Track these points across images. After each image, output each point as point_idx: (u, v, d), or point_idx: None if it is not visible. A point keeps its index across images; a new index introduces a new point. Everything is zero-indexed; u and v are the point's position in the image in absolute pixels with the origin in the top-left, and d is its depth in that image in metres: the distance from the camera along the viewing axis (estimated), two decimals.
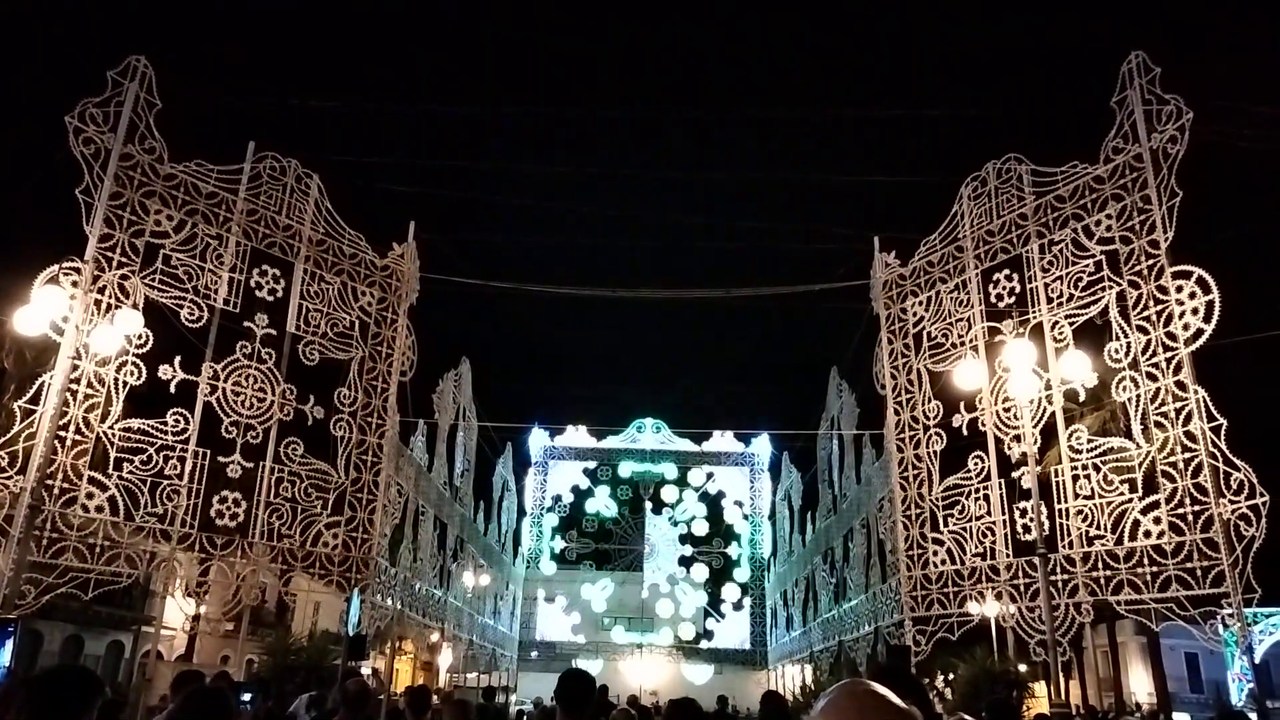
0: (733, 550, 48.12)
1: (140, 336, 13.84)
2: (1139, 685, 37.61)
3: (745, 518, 48.67)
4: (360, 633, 15.98)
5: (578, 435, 49.31)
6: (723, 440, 49.41)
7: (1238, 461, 11.81)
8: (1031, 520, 13.39)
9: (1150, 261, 13.26)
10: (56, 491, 12.84)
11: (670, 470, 49.26)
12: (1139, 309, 13.32)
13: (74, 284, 13.13)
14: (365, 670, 23.30)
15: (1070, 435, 14.15)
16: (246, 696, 8.10)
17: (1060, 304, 14.55)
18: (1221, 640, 12.38)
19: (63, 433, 12.89)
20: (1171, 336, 12.78)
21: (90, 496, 13.23)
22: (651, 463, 49.24)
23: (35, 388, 12.83)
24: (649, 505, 48.62)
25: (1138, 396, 13.11)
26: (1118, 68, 14.16)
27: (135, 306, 13.81)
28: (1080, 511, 13.70)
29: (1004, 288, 15.56)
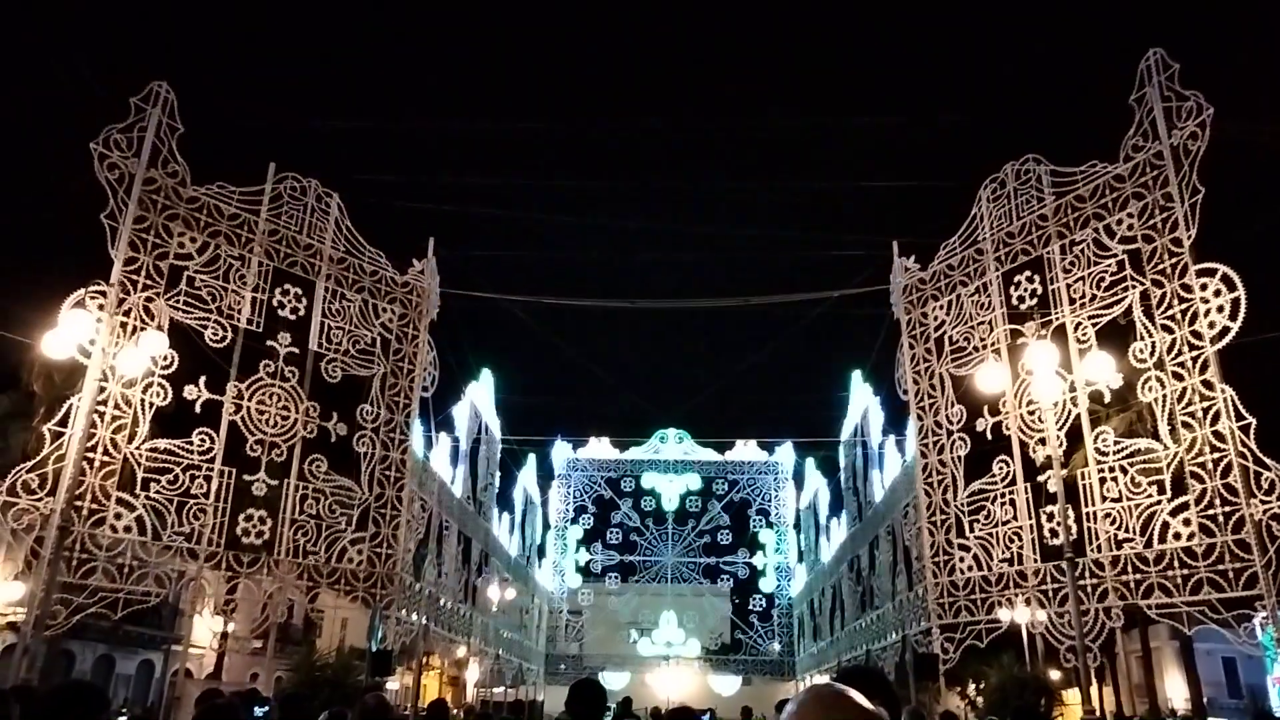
0: (758, 560, 47.90)
1: (165, 357, 14.00)
2: (1175, 691, 36.95)
3: (770, 526, 48.47)
4: (385, 648, 16.04)
5: (600, 447, 49.31)
6: (745, 449, 49.27)
7: (1268, 461, 11.59)
8: (1059, 524, 13.24)
9: (1173, 260, 13.09)
10: (85, 512, 12.99)
11: (694, 480, 49.17)
12: (1163, 308, 13.14)
13: (100, 307, 13.31)
14: (393, 686, 23.35)
15: (1096, 437, 13.96)
16: (259, 711, 8.12)
17: (1083, 305, 14.39)
18: (1258, 644, 12.12)
19: (90, 454, 13.05)
20: (1197, 335, 12.60)
21: (118, 517, 13.38)
22: (675, 473, 49.17)
23: (64, 410, 13.02)
24: (672, 516, 48.53)
25: (1164, 396, 12.93)
26: (1136, 65, 14.02)
27: (160, 328, 13.97)
28: (1108, 514, 13.50)
29: (1025, 289, 15.40)
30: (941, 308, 16.99)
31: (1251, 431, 11.81)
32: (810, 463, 39.23)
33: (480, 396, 27.16)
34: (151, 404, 13.90)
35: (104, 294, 13.46)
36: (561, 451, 48.87)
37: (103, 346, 13.09)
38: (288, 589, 15.21)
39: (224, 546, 14.42)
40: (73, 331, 12.34)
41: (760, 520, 48.57)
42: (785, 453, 48.39)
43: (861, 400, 25.59)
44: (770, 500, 49.02)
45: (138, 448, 13.70)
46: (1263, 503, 11.55)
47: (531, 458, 38.54)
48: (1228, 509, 11.94)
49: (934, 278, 17.29)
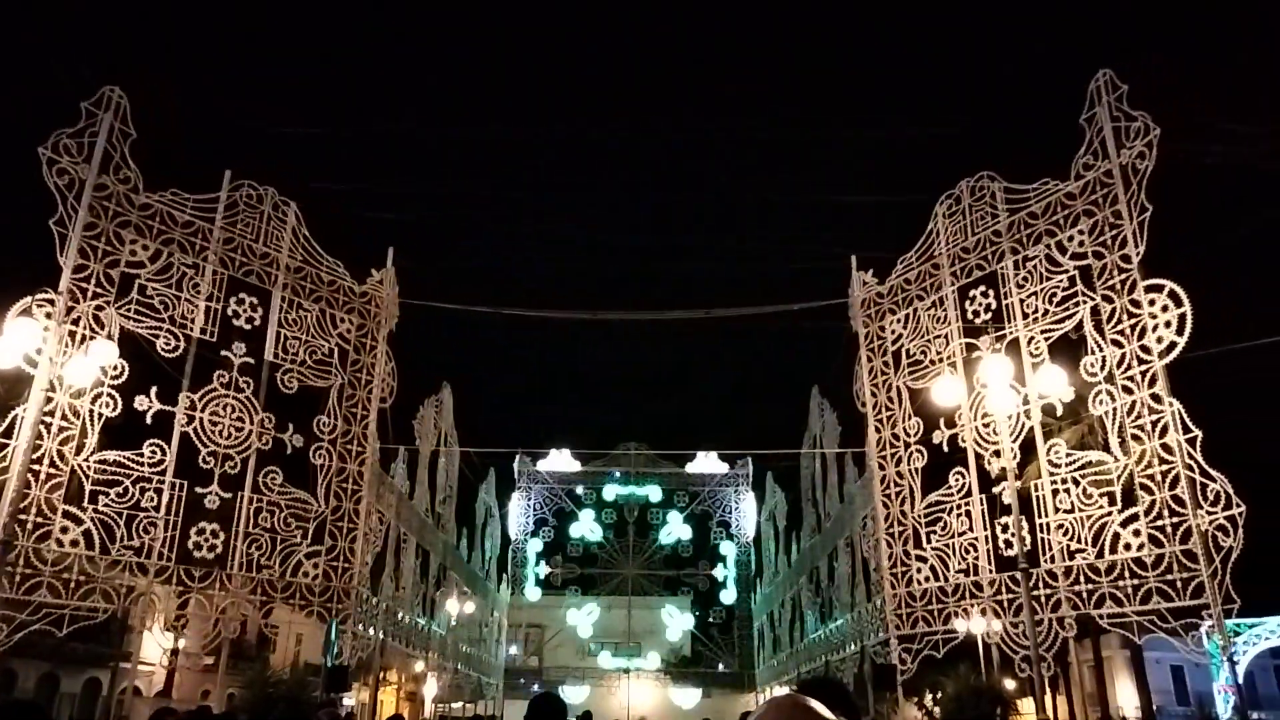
0: (719, 572, 47.95)
1: (115, 367, 13.71)
2: (1126, 699, 37.63)
3: (731, 539, 48.58)
4: (341, 664, 15.79)
5: (561, 459, 49.14)
6: (707, 461, 49.39)
7: (1214, 473, 11.88)
8: (1013, 535, 13.43)
9: (1123, 276, 13.40)
10: (30, 526, 12.64)
11: (655, 493, 49.14)
12: (1113, 323, 13.43)
13: (48, 315, 13.00)
14: (350, 701, 22.99)
15: (1049, 449, 14.21)
16: None
17: (1036, 319, 14.66)
18: (1205, 652, 12.38)
19: (36, 466, 12.71)
20: (1145, 349, 12.89)
21: (65, 530, 13.04)
22: (636, 485, 49.11)
23: (8, 421, 12.66)
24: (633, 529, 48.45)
25: (1114, 409, 13.20)
26: (1086, 85, 14.36)
27: (110, 337, 13.68)
28: (1061, 525, 13.74)
29: (980, 304, 15.66)
30: (899, 321, 17.20)
31: (1198, 444, 12.09)
32: (770, 475, 39.42)
33: (439, 407, 26.89)
34: (100, 415, 13.58)
35: (52, 302, 13.14)
36: (522, 463, 48.62)
37: (50, 356, 12.77)
38: (241, 604, 14.91)
39: (175, 560, 14.11)
40: (19, 340, 12.01)
41: (721, 532, 48.69)
42: (746, 465, 48.58)
43: (820, 412, 25.78)
44: (731, 512, 49.17)
45: (86, 459, 13.37)
46: (1209, 514, 11.83)
47: (491, 470, 38.26)
48: (1175, 520, 12.21)
49: (891, 292, 17.51)
